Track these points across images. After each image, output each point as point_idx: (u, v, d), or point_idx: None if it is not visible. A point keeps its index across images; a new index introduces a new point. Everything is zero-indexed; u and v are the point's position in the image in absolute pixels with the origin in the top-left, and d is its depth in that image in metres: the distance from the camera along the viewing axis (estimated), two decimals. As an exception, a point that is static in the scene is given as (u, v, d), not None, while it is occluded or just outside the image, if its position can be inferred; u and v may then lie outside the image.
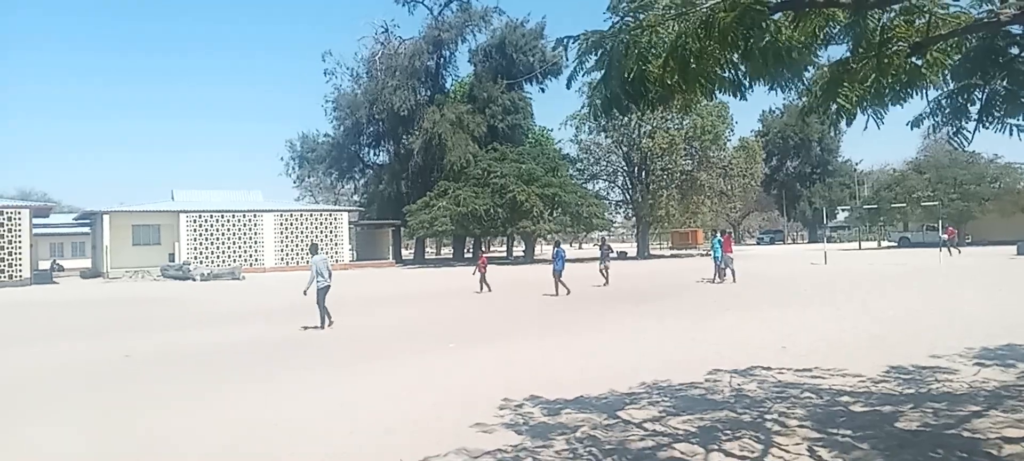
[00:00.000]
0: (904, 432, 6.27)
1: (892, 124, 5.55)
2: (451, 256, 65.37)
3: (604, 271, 26.07)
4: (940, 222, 46.53)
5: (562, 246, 26.21)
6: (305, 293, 15.57)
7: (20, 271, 37.95)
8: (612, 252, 27.91)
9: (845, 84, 4.99)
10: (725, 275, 25.99)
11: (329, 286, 15.45)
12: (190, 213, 45.87)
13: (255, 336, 14.74)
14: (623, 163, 57.61)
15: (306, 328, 15.31)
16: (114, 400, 8.82)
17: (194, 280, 38.22)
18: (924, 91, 5.31)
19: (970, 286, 21.44)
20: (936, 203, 50.53)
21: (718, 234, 29.35)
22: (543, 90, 71.68)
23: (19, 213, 38.84)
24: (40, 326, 18.11)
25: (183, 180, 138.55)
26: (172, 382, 9.96)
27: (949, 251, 40.54)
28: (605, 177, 60.05)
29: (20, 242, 38.25)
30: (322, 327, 15.17)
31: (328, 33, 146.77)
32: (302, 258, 47.71)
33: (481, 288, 24.54)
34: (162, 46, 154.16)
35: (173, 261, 43.51)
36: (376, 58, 58.68)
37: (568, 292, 22.36)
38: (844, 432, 6.28)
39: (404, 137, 57.11)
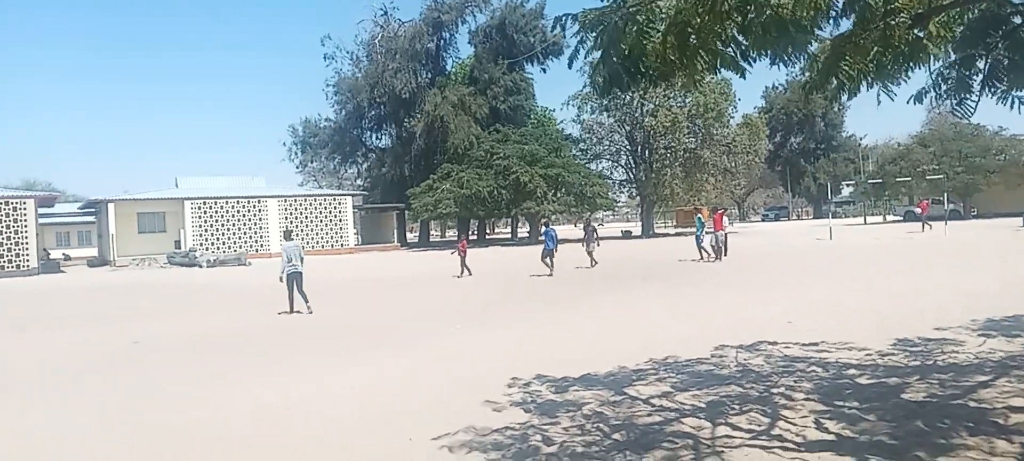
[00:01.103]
0: (911, 403, 6.30)
1: (897, 98, 5.54)
2: (456, 238, 65.43)
3: (590, 252, 25.53)
4: (945, 195, 46.37)
5: (553, 227, 26.00)
6: (280, 279, 15.53)
7: (27, 260, 38.10)
8: (597, 233, 27.20)
9: (848, 57, 4.98)
10: (717, 252, 25.52)
11: (300, 272, 15.47)
12: (195, 200, 45.95)
13: (262, 321, 14.81)
14: (626, 142, 57.45)
15: (280, 314, 15.35)
16: (124, 386, 8.90)
17: (200, 267, 38.36)
18: (927, 64, 5.30)
19: (976, 258, 21.43)
20: (941, 176, 50.29)
21: (698, 213, 28.85)
22: (545, 70, 71.45)
23: (24, 203, 38.92)
24: (48, 314, 18.22)
25: (187, 168, 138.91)
26: (181, 368, 10.03)
27: (924, 226, 40.25)
28: (608, 156, 59.94)
29: (26, 232, 38.37)
30: (290, 312, 15.25)
31: (327, 16, 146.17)
32: (307, 243, 47.81)
33: (461, 273, 23.90)
34: (163, 34, 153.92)
35: (179, 248, 43.66)
36: (376, 41, 58.47)
37: (551, 274, 22.23)
38: (851, 404, 6.32)
39: (406, 120, 57.00)
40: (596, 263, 25.05)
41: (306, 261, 16.17)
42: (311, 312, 15.11)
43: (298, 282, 15.43)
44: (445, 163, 52.97)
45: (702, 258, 25.63)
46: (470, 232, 64.92)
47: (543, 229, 24.78)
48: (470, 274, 23.83)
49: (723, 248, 26.13)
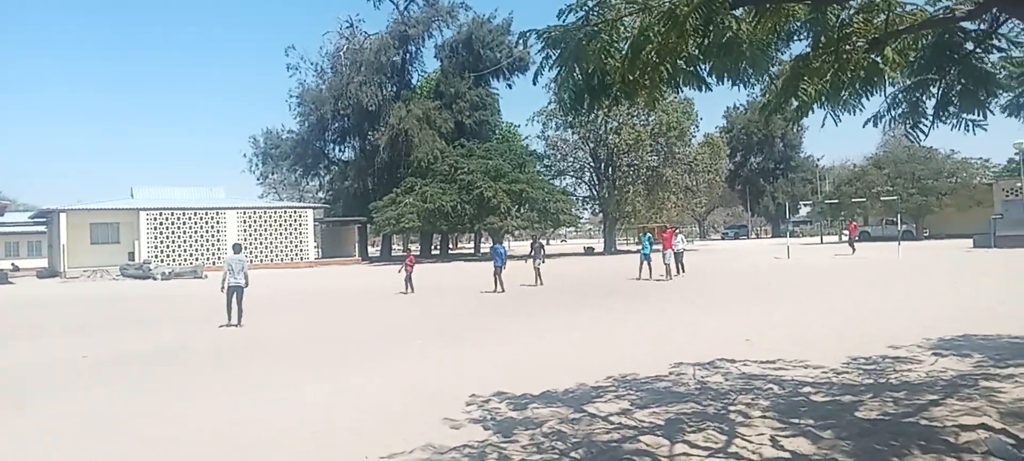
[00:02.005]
0: (864, 421, 6.38)
1: (852, 121, 5.65)
2: (419, 252, 65.14)
3: (537, 269, 24.86)
4: (898, 217, 47.50)
5: (503, 244, 25.89)
6: (221, 290, 15.64)
7: (-27, 271, 36.91)
8: (544, 250, 26.55)
9: (805, 79, 5.06)
10: (668, 270, 25.52)
11: (241, 286, 15.66)
12: (150, 211, 44.98)
13: (215, 337, 14.50)
14: (590, 159, 57.90)
15: (219, 327, 15.42)
16: (71, 402, 8.61)
17: (155, 279, 37.50)
18: (882, 87, 5.41)
19: (928, 279, 21.94)
20: (895, 198, 51.60)
21: (647, 234, 28.86)
22: (510, 86, 71.57)
23: (-28, 212, 37.78)
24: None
25: (144, 178, 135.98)
26: (129, 383, 9.74)
27: (851, 247, 41.37)
28: (572, 173, 60.34)
29: (-27, 241, 37.20)
30: (228, 324, 15.48)
31: (291, 27, 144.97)
32: (266, 256, 47.18)
33: (406, 289, 23.26)
34: (120, 42, 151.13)
35: (133, 260, 42.62)
36: (341, 53, 58.17)
37: (502, 290, 22.19)
38: (806, 422, 6.38)
39: (370, 133, 56.68)
40: (541, 282, 24.41)
41: (252, 276, 16.41)
42: (240, 326, 15.27)
43: (238, 295, 15.65)
44: (409, 177, 52.75)
45: (641, 276, 25.51)
46: (433, 246, 64.65)
47: (492, 246, 24.66)
48: (413, 291, 23.09)
49: (677, 266, 26.28)
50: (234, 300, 15.64)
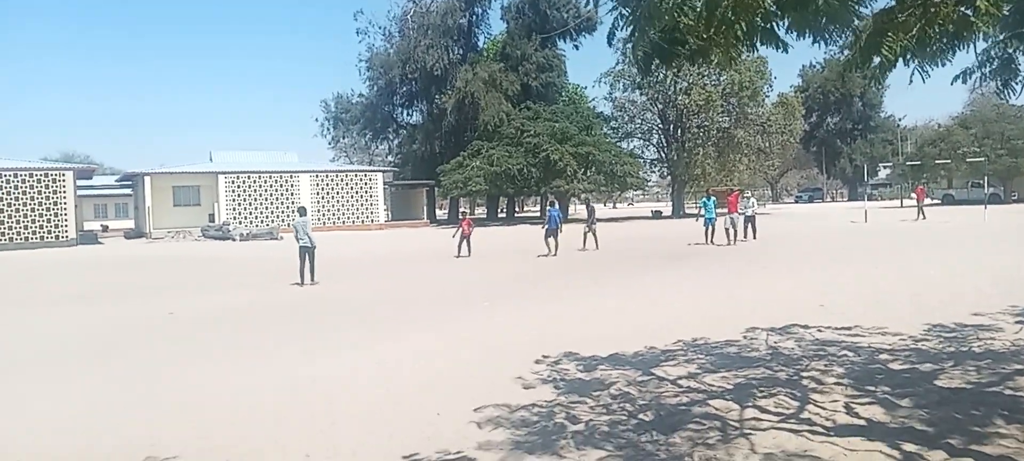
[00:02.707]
0: (944, 389, 6.19)
1: (937, 79, 5.38)
2: (485, 216, 65.60)
3: (592, 234, 24.22)
4: (985, 179, 45.25)
5: (557, 205, 25.49)
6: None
7: (66, 231, 38.96)
8: (594, 213, 25.70)
9: (889, 35, 4.84)
10: (730, 235, 24.39)
11: (308, 247, 16.38)
12: (229, 174, 46.56)
13: (293, 296, 15.02)
14: (658, 121, 56.84)
15: (292, 284, 16.38)
16: (159, 358, 9.11)
17: (233, 240, 38.96)
18: (973, 43, 5.13)
19: (1015, 244, 20.92)
20: (982, 159, 49.03)
21: (710, 196, 27.07)
22: (577, 47, 70.70)
23: (63, 175, 39.73)
24: (87, 285, 18.65)
25: (221, 142, 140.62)
26: (214, 340, 10.21)
27: (919, 214, 36.67)
28: (640, 135, 59.36)
29: (65, 203, 39.19)
30: (301, 283, 16.23)
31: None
32: (338, 219, 48.30)
33: (458, 251, 22.75)
34: (197, 13, 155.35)
35: (213, 222, 44.33)
36: (408, 17, 58.44)
37: (554, 253, 22.04)
38: (883, 389, 6.22)
39: (437, 96, 57.00)
40: (598, 246, 24.00)
41: (324, 238, 16.94)
42: (315, 283, 16.20)
43: (309, 256, 16.43)
44: (475, 140, 52.93)
45: (708, 241, 24.47)
46: (499, 209, 64.90)
47: (549, 208, 24.31)
48: (469, 255, 22.73)
49: (746, 230, 25.43)
50: (306, 260, 16.37)
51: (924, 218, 35.56)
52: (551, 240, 22.51)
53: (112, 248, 36.52)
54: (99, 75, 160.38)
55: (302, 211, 17.75)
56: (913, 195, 38.92)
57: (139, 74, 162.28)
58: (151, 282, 18.76)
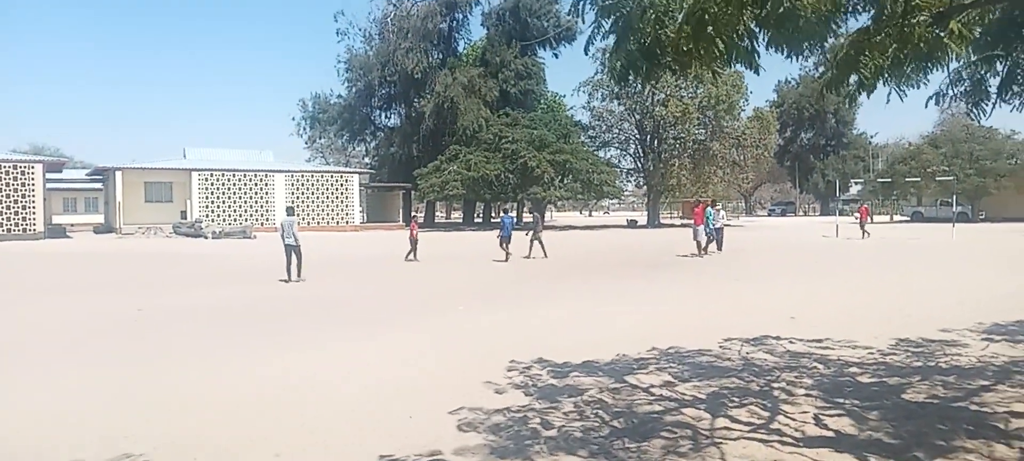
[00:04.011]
0: (911, 403, 6.30)
1: (909, 98, 5.49)
2: (461, 220, 65.50)
3: (538, 242, 23.63)
4: (953, 198, 46.14)
5: (511, 213, 25.57)
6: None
7: (34, 225, 38.29)
8: (541, 222, 25.33)
9: (865, 55, 4.94)
10: (699, 247, 24.07)
11: (291, 245, 16.94)
12: (202, 172, 46.08)
13: (265, 294, 14.89)
14: (635, 131, 57.33)
15: (280, 281, 16.79)
16: (127, 354, 8.96)
17: (205, 238, 38.51)
18: (944, 64, 5.25)
19: (983, 262, 21.35)
20: (951, 178, 50.03)
21: (708, 205, 26.89)
22: (557, 56, 71.39)
23: (32, 168, 39.10)
24: (54, 279, 18.33)
25: (196, 138, 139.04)
26: (183, 338, 10.08)
27: (862, 231, 35.90)
28: (617, 145, 59.86)
29: (34, 196, 38.54)
30: (287, 280, 16.72)
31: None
32: (312, 219, 47.97)
33: (409, 255, 22.93)
34: (173, 5, 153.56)
35: (185, 219, 43.80)
36: (388, 19, 58.31)
37: (506, 258, 22.17)
38: (851, 402, 6.32)
39: (416, 100, 56.95)
40: (545, 254, 23.43)
41: (304, 237, 17.70)
42: (301, 280, 16.69)
43: (295, 253, 16.94)
44: (453, 145, 52.90)
45: (702, 253, 24.24)
46: (476, 214, 64.86)
47: (501, 216, 24.48)
48: (416, 259, 22.71)
49: (713, 242, 25.03)
50: (292, 258, 16.89)
51: (868, 236, 34.94)
52: (506, 247, 22.64)
53: (80, 243, 35.91)
54: (72, 68, 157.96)
55: (290, 211, 18.49)
56: (857, 214, 37.76)
57: (113, 68, 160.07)
58: (120, 277, 18.48)
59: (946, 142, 57.37)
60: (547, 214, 52.59)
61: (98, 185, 55.88)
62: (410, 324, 11.12)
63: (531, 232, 24.31)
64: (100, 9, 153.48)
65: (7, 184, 37.75)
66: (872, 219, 46.00)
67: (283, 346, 9.34)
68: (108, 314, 12.20)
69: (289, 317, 11.93)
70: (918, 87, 5.29)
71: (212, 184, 46.14)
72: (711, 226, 25.07)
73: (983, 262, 21.38)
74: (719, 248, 25.53)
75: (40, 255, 26.89)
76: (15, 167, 38.30)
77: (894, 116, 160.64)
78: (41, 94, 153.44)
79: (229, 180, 46.66)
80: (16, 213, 37.93)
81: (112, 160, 50.14)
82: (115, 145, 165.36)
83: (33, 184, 38.55)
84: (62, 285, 16.95)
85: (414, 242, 23.25)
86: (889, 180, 57.62)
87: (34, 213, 38.49)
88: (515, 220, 24.45)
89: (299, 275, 16.86)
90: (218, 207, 46.06)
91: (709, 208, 25.66)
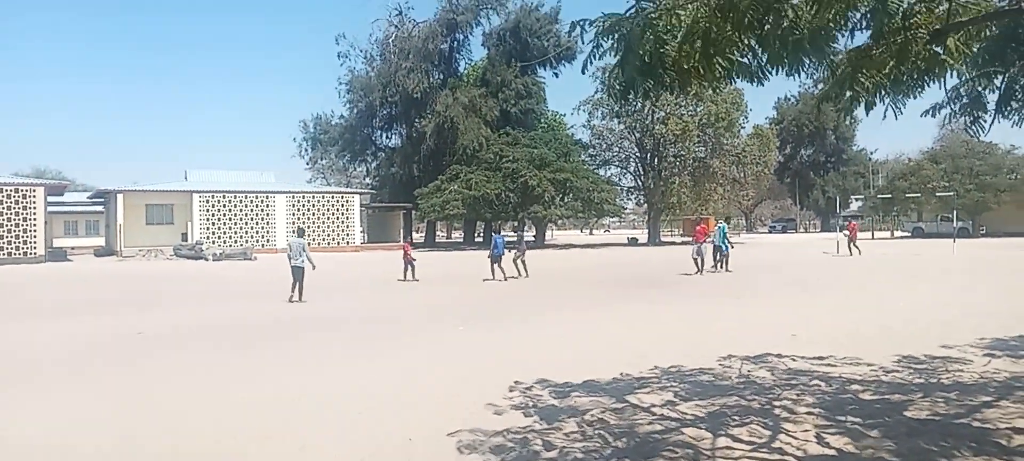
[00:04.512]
0: (913, 420, 6.26)
1: (908, 114, 5.51)
2: (462, 240, 65.46)
3: (522, 262, 23.73)
4: (954, 213, 46.11)
5: (501, 233, 25.76)
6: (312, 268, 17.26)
7: (35, 248, 38.27)
8: (523, 243, 25.30)
9: (864, 71, 4.95)
10: (697, 265, 23.92)
11: (298, 266, 16.92)
12: (203, 193, 46.13)
13: (266, 315, 14.84)
14: (636, 149, 57.42)
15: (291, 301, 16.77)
16: (127, 376, 8.93)
17: (206, 260, 38.49)
18: (942, 80, 5.26)
19: (984, 277, 21.30)
20: (951, 193, 50.08)
21: (720, 222, 26.64)
22: (557, 75, 71.44)
23: (34, 191, 39.12)
24: (55, 301, 18.30)
25: (198, 160, 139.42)
26: (184, 359, 10.04)
27: (851, 249, 34.23)
28: (617, 163, 59.95)
29: (35, 219, 38.54)
30: (290, 301, 16.70)
31: (342, 14, 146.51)
32: (314, 239, 47.84)
33: (404, 275, 23.17)
34: (175, 31, 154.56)
35: (186, 240, 43.80)
36: (390, 40, 58.58)
37: (504, 279, 22.30)
38: (853, 420, 6.28)
39: (417, 120, 57.08)
40: (526, 274, 23.53)
41: (311, 258, 17.41)
42: (302, 302, 16.63)
43: (297, 275, 16.85)
44: (454, 164, 53.00)
45: (717, 268, 24.27)
46: (476, 234, 64.86)
47: (494, 235, 24.70)
48: (415, 279, 22.92)
49: (717, 261, 24.73)
50: (298, 278, 16.87)
51: (859, 253, 33.90)
52: (496, 267, 22.72)
53: (81, 265, 35.89)
54: (74, 91, 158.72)
55: (301, 232, 18.39)
56: (846, 231, 36.47)
57: (115, 91, 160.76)
58: (119, 300, 18.45)
59: (946, 158, 57.47)
60: (548, 233, 52.53)
61: (99, 208, 55.90)
62: (410, 344, 11.09)
63: (514, 251, 24.25)
64: (102, 34, 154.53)
65: (8, 208, 37.76)
66: (873, 235, 45.91)
67: (280, 367, 9.30)
68: (108, 336, 12.16)
69: (287, 338, 11.90)
70: (915, 97, 5.31)
71: (213, 206, 46.19)
72: (725, 244, 24.92)
73: (985, 277, 21.33)
74: (726, 268, 24.91)
75: (42, 279, 26.87)
76: (16, 190, 38.34)
77: (894, 132, 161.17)
78: (45, 118, 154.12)
79: (230, 202, 46.72)
80: (17, 236, 37.92)
81: (114, 183, 50.20)
82: (117, 168, 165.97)
83: (35, 207, 38.57)
84: (63, 307, 16.91)
85: (409, 262, 23.41)
86: (889, 196, 57.66)
87: (35, 236, 38.48)
88: (525, 238, 24.62)
89: (300, 297, 16.77)
90: (219, 229, 46.08)
91: (722, 224, 25.50)
